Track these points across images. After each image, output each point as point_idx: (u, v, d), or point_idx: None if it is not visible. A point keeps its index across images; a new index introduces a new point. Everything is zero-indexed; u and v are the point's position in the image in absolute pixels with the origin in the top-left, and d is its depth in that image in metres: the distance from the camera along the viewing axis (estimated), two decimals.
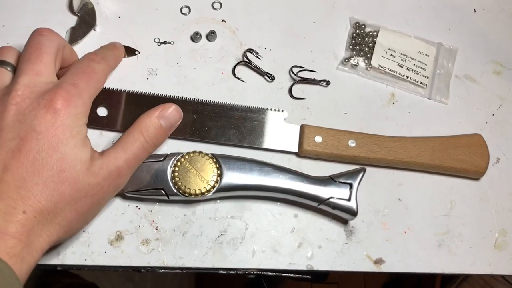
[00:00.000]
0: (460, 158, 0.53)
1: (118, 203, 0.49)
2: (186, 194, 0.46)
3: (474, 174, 0.54)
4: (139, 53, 0.55)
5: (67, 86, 0.39)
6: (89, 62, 0.43)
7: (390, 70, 0.57)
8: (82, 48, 0.55)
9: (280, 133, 0.53)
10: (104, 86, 0.52)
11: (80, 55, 0.54)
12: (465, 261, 0.52)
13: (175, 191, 0.47)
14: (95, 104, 0.51)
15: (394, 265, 0.51)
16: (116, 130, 0.51)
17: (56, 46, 0.43)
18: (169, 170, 0.47)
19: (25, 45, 0.42)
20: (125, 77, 0.54)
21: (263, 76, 0.56)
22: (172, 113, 0.44)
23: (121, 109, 0.51)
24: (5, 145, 0.37)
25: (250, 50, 0.56)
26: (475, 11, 0.63)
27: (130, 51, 0.55)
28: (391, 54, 0.58)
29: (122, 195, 0.47)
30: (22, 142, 0.36)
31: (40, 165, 0.36)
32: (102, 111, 0.51)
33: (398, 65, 0.58)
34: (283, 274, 0.50)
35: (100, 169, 0.39)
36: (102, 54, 0.46)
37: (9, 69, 0.42)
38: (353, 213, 0.48)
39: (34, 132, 0.37)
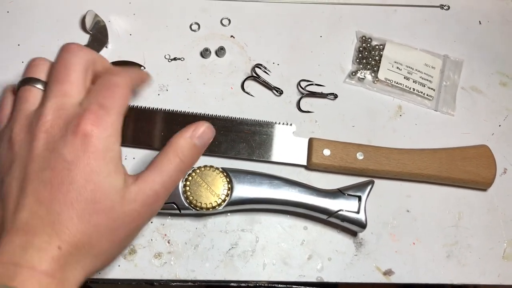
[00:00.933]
0: (468, 170, 0.53)
1: None
2: (198, 208, 0.47)
3: (482, 185, 0.54)
4: (144, 68, 0.56)
5: (93, 107, 0.36)
6: (110, 77, 0.39)
7: (397, 83, 0.58)
8: None
9: (288, 146, 0.54)
10: None
11: None
12: (474, 271, 0.52)
13: (187, 205, 0.47)
14: None
15: (403, 276, 0.51)
16: (128, 145, 0.52)
17: (84, 63, 0.39)
18: (180, 185, 0.48)
19: (54, 63, 0.39)
20: (137, 93, 0.55)
21: (271, 90, 0.57)
22: (205, 131, 0.41)
23: (133, 125, 0.52)
24: (37, 177, 0.34)
25: (259, 65, 0.57)
26: (480, 23, 0.64)
27: (136, 67, 0.56)
28: (398, 67, 0.59)
29: None
30: (53, 173, 0.34)
31: (73, 197, 0.34)
32: None
33: (404, 77, 0.58)
34: (293, 286, 0.51)
35: (137, 195, 0.37)
36: (121, 68, 0.43)
37: (40, 87, 0.39)
38: (362, 225, 0.49)
39: (65, 163, 0.34)
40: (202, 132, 0.41)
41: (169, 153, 0.39)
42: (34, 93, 0.39)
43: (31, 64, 0.40)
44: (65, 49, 0.39)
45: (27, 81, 0.39)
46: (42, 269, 0.32)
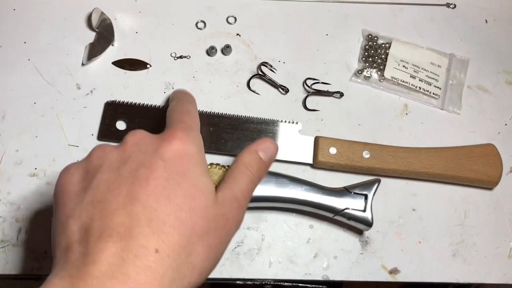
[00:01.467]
0: (474, 168, 0.53)
1: None
2: None
3: (488, 184, 0.54)
4: (150, 66, 0.56)
5: (178, 124, 0.40)
6: (181, 106, 0.44)
7: (403, 81, 0.58)
8: (101, 63, 0.56)
9: (294, 144, 0.54)
10: (123, 100, 0.54)
11: (99, 70, 0.56)
12: (480, 270, 0.52)
13: None
14: (115, 118, 0.53)
15: (409, 275, 0.51)
16: None
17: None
18: None
19: None
20: (143, 91, 0.55)
21: (277, 88, 0.57)
22: (269, 146, 0.43)
23: (140, 122, 0.52)
24: (130, 175, 0.33)
25: (265, 63, 0.57)
26: (486, 21, 0.64)
27: (142, 65, 0.56)
28: (404, 66, 0.59)
29: None
30: (148, 170, 0.34)
31: (171, 192, 0.33)
32: (121, 125, 0.52)
33: (410, 76, 0.58)
34: (299, 285, 0.51)
35: (223, 200, 0.37)
36: (183, 98, 0.48)
37: None
38: (369, 223, 0.49)
39: (160, 160, 0.34)
40: (267, 146, 0.42)
41: (239, 166, 0.40)
42: None
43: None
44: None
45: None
46: (138, 282, 0.29)
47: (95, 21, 0.57)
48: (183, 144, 0.36)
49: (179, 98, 0.47)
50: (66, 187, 0.35)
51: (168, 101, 0.49)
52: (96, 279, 0.29)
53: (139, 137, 0.37)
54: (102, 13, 0.58)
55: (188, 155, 0.36)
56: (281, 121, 0.54)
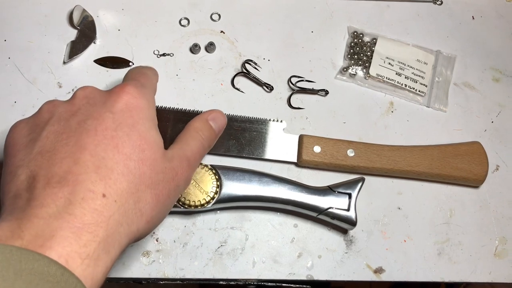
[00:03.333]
0: (459, 167, 0.53)
1: None
2: (186, 206, 0.47)
3: (474, 182, 0.54)
4: (133, 64, 0.56)
5: (131, 81, 0.39)
6: (139, 69, 0.44)
7: (389, 79, 0.57)
8: (83, 61, 0.56)
9: (279, 143, 0.53)
10: None
11: (81, 69, 0.55)
12: (465, 269, 0.52)
13: (175, 203, 0.47)
14: None
15: (394, 274, 0.51)
16: None
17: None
18: None
19: None
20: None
21: (262, 86, 0.57)
22: (220, 116, 0.45)
23: None
24: (79, 126, 0.34)
25: (249, 61, 0.57)
26: (473, 18, 0.63)
27: (125, 63, 0.56)
28: (389, 63, 0.58)
29: None
30: (97, 121, 0.34)
31: (120, 142, 0.34)
32: None
33: (396, 73, 0.58)
34: (283, 285, 0.51)
35: (172, 156, 0.38)
36: (143, 66, 0.46)
37: None
38: (352, 223, 0.48)
39: (109, 113, 0.35)
40: (217, 116, 0.44)
41: (190, 131, 0.42)
42: None
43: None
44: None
45: None
46: (83, 223, 0.30)
47: (76, 18, 0.56)
48: (133, 98, 0.36)
49: (139, 66, 0.46)
50: (15, 140, 0.36)
51: None
52: (42, 219, 0.29)
53: (89, 91, 0.37)
54: (84, 10, 0.57)
55: (137, 108, 0.36)
56: (266, 119, 0.54)
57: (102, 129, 0.34)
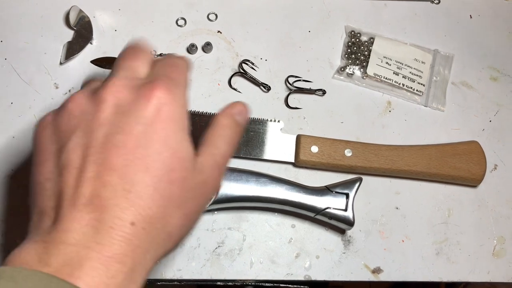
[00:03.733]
0: (457, 166, 0.53)
1: None
2: None
3: (472, 181, 0.53)
4: None
5: (163, 78, 0.35)
6: (172, 60, 0.39)
7: (386, 78, 0.57)
8: (80, 61, 0.56)
9: (276, 143, 0.53)
10: None
11: (77, 69, 0.55)
12: (464, 269, 0.52)
13: None
14: None
15: (392, 274, 0.51)
16: None
17: (149, 53, 0.38)
18: None
19: (122, 51, 0.38)
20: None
21: (259, 86, 0.56)
22: (243, 108, 0.41)
23: None
24: (107, 141, 0.31)
25: (246, 61, 0.57)
26: (471, 17, 0.63)
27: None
28: (387, 62, 0.58)
29: None
30: (127, 137, 0.31)
31: (150, 162, 0.31)
32: None
33: (394, 73, 0.58)
34: (281, 285, 0.50)
35: (203, 166, 0.35)
36: (174, 54, 0.42)
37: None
38: (350, 223, 0.48)
39: (140, 125, 0.32)
40: (240, 109, 0.41)
41: (218, 130, 0.39)
42: (98, 78, 0.37)
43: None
44: (133, 41, 0.39)
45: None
46: (112, 253, 0.28)
47: (73, 19, 0.56)
48: (165, 104, 0.33)
49: (169, 54, 0.42)
50: (43, 145, 0.34)
51: None
52: (70, 246, 0.28)
53: (117, 94, 0.33)
54: (80, 11, 0.57)
55: (170, 117, 0.33)
56: (263, 119, 0.54)
57: (133, 147, 0.31)
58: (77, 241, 0.28)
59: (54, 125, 0.34)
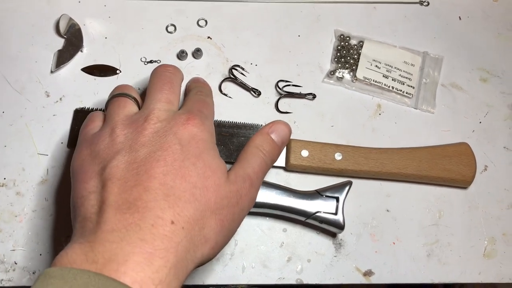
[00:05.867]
0: (447, 168, 0.53)
1: None
2: None
3: (462, 183, 0.54)
4: (120, 71, 0.56)
5: (196, 112, 0.41)
6: (201, 97, 0.45)
7: (376, 82, 0.58)
8: (71, 70, 0.56)
9: None
10: (93, 107, 0.53)
11: (68, 77, 0.55)
12: (455, 270, 0.52)
13: None
14: None
15: (383, 276, 0.51)
16: None
17: (180, 82, 0.46)
18: None
19: (153, 78, 0.45)
20: None
21: (249, 91, 0.57)
22: (282, 127, 0.46)
23: None
24: (149, 157, 0.36)
25: (236, 67, 0.57)
26: (460, 18, 0.64)
27: (112, 71, 0.56)
28: (376, 65, 0.58)
29: None
30: (166, 153, 0.36)
31: (187, 171, 0.36)
32: None
33: (383, 76, 0.58)
34: None
35: (235, 178, 0.39)
36: (203, 89, 0.48)
37: (132, 100, 0.43)
38: (340, 226, 0.48)
39: (177, 145, 0.37)
40: (279, 128, 0.45)
41: (251, 149, 0.43)
42: (130, 102, 0.43)
43: (117, 87, 0.45)
44: (163, 68, 0.46)
45: (119, 94, 0.44)
46: (155, 248, 0.31)
47: (63, 27, 0.56)
48: (199, 132, 0.39)
49: (199, 88, 0.47)
50: (84, 168, 0.38)
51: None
52: (114, 243, 0.31)
53: (156, 120, 0.39)
54: (71, 19, 0.57)
55: (202, 140, 0.39)
56: (254, 124, 0.54)
57: (171, 160, 0.36)
58: (121, 239, 0.31)
59: (93, 150, 0.38)
